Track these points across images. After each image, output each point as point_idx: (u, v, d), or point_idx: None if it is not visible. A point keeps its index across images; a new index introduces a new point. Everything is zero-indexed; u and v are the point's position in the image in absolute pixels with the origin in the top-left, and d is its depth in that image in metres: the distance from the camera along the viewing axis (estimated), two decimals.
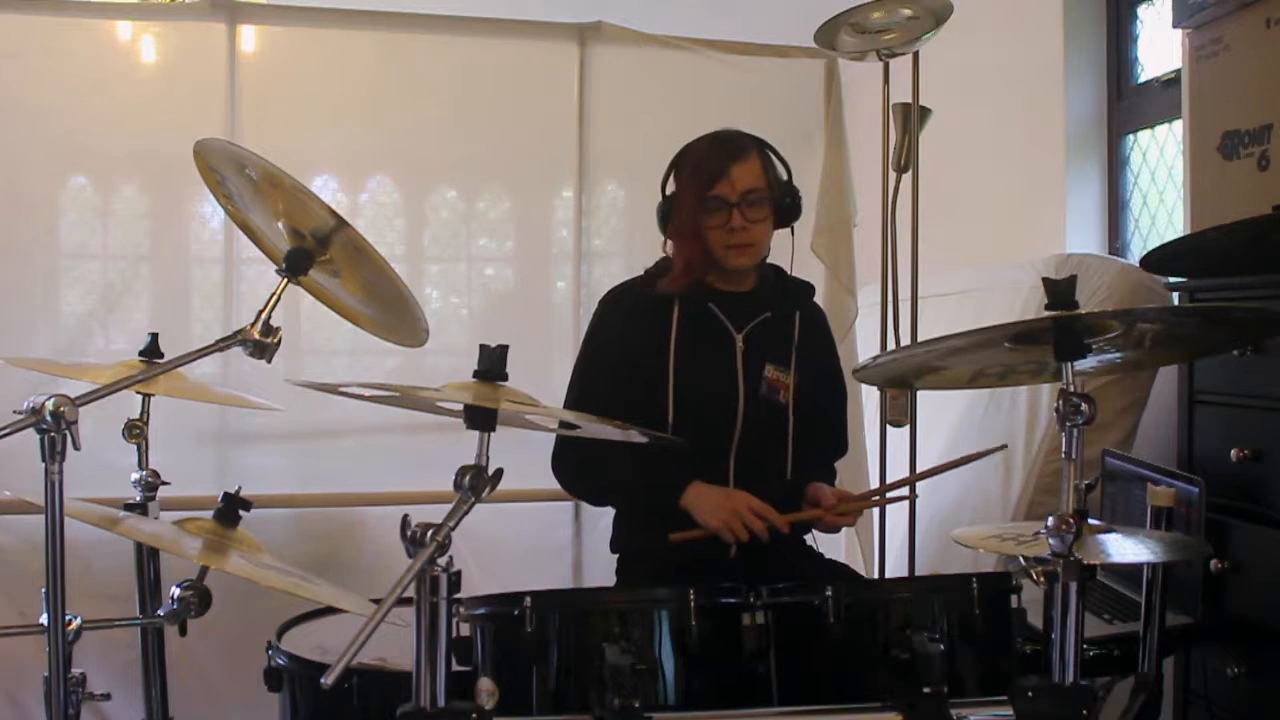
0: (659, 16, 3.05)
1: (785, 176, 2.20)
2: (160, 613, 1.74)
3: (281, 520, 2.76)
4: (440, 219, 3.11)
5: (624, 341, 2.18)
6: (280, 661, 1.95)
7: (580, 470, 2.23)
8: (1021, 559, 1.48)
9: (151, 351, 2.12)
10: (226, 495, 1.70)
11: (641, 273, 2.27)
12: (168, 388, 2.14)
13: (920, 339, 2.78)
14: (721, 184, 2.10)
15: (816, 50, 2.85)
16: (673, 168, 2.21)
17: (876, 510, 3.01)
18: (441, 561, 1.30)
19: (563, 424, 1.90)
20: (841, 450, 2.39)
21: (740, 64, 3.03)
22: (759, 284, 2.23)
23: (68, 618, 1.46)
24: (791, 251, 2.27)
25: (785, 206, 2.17)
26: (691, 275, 2.15)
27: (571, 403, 2.20)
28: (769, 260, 2.26)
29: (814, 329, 2.28)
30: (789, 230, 2.23)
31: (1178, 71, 2.89)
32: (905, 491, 2.40)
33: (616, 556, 2.28)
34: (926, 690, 1.41)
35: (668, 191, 2.20)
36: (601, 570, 2.44)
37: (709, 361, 2.15)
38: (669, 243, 2.21)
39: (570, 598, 1.76)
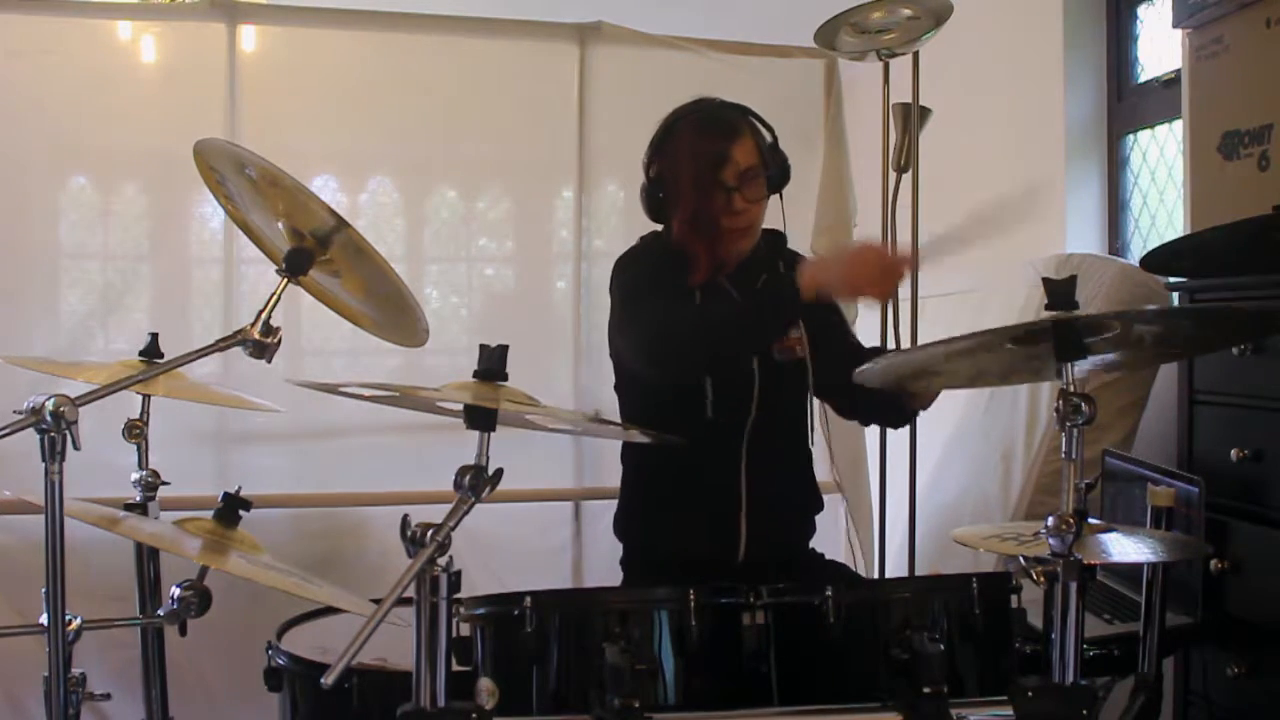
0: (659, 16, 3.05)
1: (771, 140, 2.12)
2: (160, 613, 1.74)
3: (281, 520, 2.76)
4: (440, 219, 3.11)
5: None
6: (280, 661, 1.96)
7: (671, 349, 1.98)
8: (1021, 559, 1.48)
9: (151, 351, 2.11)
10: (226, 495, 1.70)
11: (639, 241, 2.19)
12: (168, 388, 2.13)
13: (920, 339, 2.78)
14: (724, 169, 2.03)
15: (816, 50, 2.85)
16: (655, 150, 2.12)
17: (876, 510, 3.02)
18: (441, 561, 1.30)
19: (565, 425, 1.90)
20: (866, 355, 2.17)
21: (740, 64, 3.03)
22: (753, 248, 2.15)
23: (68, 618, 1.46)
24: (783, 220, 2.19)
25: (775, 176, 2.10)
26: (715, 265, 2.06)
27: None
28: None
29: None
30: (778, 196, 2.14)
31: (1178, 71, 2.88)
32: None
33: (621, 547, 2.22)
34: (926, 690, 1.40)
35: (651, 174, 2.11)
36: (601, 570, 2.44)
37: None
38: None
39: (570, 598, 1.75)
